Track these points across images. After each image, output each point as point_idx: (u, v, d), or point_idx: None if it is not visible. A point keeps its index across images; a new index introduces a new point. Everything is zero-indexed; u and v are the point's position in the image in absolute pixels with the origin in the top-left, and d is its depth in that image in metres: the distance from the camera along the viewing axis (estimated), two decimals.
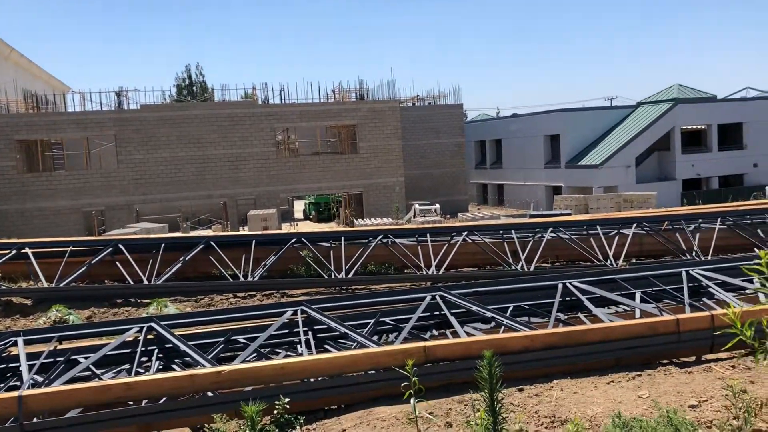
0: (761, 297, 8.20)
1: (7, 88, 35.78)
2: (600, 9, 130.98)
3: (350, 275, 12.94)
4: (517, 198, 50.78)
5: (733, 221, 15.32)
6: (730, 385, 4.92)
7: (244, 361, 6.89)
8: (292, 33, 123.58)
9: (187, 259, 13.04)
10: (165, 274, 12.66)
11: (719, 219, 15.18)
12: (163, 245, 13.28)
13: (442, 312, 8.29)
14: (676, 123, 44.50)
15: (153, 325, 7.76)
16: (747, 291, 8.71)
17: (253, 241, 13.52)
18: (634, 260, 14.64)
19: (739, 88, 52.02)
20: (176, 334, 7.63)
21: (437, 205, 34.43)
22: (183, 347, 7.27)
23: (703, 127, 46.79)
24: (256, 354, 7.52)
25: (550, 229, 14.57)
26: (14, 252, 12.63)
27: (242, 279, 12.69)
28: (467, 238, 14.27)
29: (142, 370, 7.23)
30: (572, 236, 14.56)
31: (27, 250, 12.65)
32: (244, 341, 7.94)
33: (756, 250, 13.37)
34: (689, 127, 46.85)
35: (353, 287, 12.95)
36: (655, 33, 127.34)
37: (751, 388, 5.63)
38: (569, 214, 23.51)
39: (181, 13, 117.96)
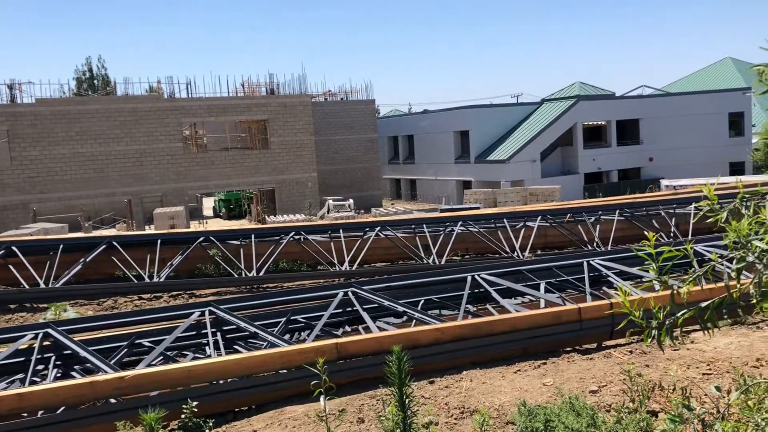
0: (656, 285, 8.68)
1: None
2: (508, 10, 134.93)
3: (261, 273, 12.74)
4: (430, 193, 51.57)
5: (630, 213, 16.15)
6: (627, 369, 5.17)
7: (149, 365, 6.63)
8: (200, 25, 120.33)
9: (87, 260, 12.44)
10: (64, 276, 12.03)
11: (617, 211, 15.96)
12: (61, 246, 12.61)
13: (355, 308, 8.29)
14: (578, 119, 46.43)
15: (50, 330, 7.34)
16: (644, 279, 9.19)
17: (159, 241, 13.06)
18: (539, 251, 15.17)
19: (635, 87, 54.86)
20: (76, 339, 7.26)
21: (351, 201, 34.45)
22: (83, 353, 6.92)
23: (603, 123, 49.04)
24: (162, 357, 7.27)
25: (460, 223, 14.88)
26: None
27: (147, 280, 12.23)
28: (380, 234, 14.35)
29: (38, 379, 6.83)
30: (481, 229, 14.92)
31: None
32: (150, 344, 7.65)
33: None
34: (590, 123, 49.01)
35: (265, 286, 12.75)
36: (558, 33, 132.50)
37: (646, 371, 5.95)
38: (478, 208, 24.10)
39: (82, 2, 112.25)
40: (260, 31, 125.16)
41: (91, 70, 66.29)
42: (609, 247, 14.30)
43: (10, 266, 11.96)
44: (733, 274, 2.93)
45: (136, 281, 12.32)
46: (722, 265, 3.22)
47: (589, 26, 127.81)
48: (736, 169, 46.03)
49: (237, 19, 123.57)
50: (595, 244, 14.89)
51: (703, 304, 3.26)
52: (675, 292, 3.30)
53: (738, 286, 3.14)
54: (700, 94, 49.76)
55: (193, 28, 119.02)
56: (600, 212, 16.17)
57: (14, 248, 12.25)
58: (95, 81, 65.72)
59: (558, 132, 45.99)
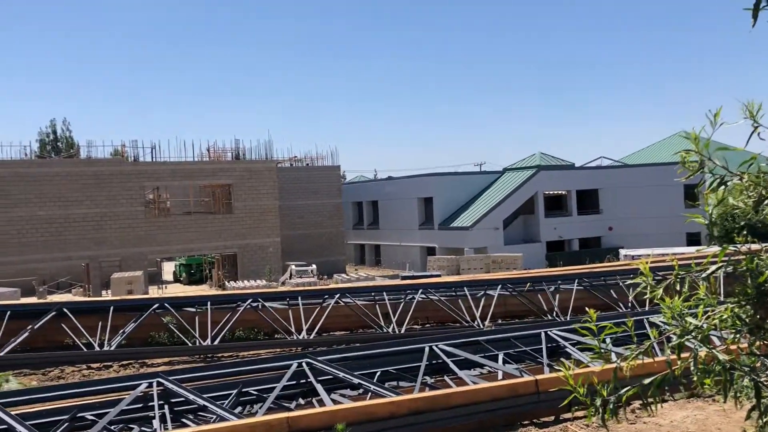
0: (612, 356, 8.69)
1: None
2: (470, 80, 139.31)
3: (216, 342, 12.43)
4: (394, 258, 51.56)
5: (589, 282, 16.32)
6: None
7: None
8: (168, 91, 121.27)
9: (35, 327, 12.01)
10: (9, 344, 11.56)
11: (576, 281, 16.12)
12: (8, 313, 12.17)
13: (309, 380, 8.09)
14: (539, 188, 47.43)
15: None
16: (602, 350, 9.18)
17: (111, 308, 12.70)
18: (499, 321, 15.15)
19: (594, 158, 56.41)
20: (12, 413, 6.90)
21: (314, 266, 34.20)
22: (19, 428, 6.57)
23: (563, 192, 50.16)
24: None
25: (420, 291, 14.83)
26: None
27: (97, 348, 11.82)
28: (340, 301, 14.20)
29: None
30: (442, 297, 14.89)
31: None
32: (93, 418, 7.31)
33: (615, 309, 14.25)
34: (551, 192, 50.08)
35: (219, 355, 12.42)
36: (519, 104, 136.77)
37: None
38: (439, 276, 24.13)
39: (50, 65, 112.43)
40: (227, 97, 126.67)
41: (55, 132, 65.83)
42: (568, 317, 14.36)
43: None
44: (669, 351, 2.94)
45: (85, 350, 11.90)
46: (663, 340, 3.24)
47: (549, 97, 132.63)
48: (693, 239, 47.20)
49: (205, 86, 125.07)
50: (554, 314, 14.95)
51: (646, 381, 3.26)
52: (618, 368, 3.30)
53: (678, 362, 3.16)
54: (656, 166, 51.46)
55: (160, 93, 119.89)
56: (559, 282, 16.31)
57: None
58: (59, 143, 65.18)
59: (520, 200, 46.83)
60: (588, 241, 49.43)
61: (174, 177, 35.60)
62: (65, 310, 12.49)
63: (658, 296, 2.97)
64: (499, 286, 15.46)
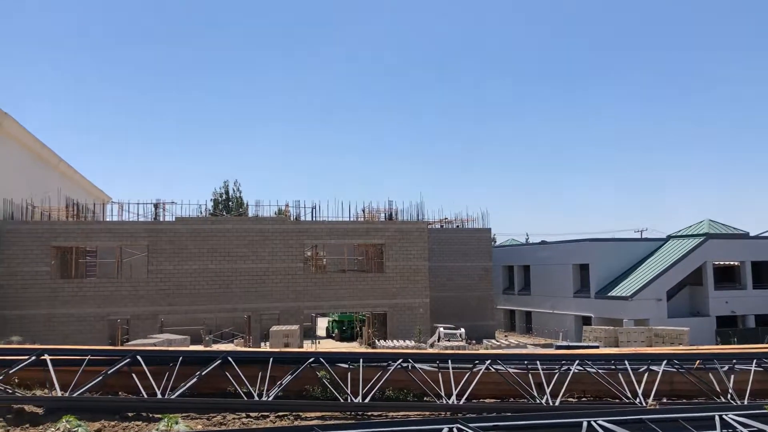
0: None
1: (51, 196, 37.25)
2: (628, 143, 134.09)
3: (367, 400, 12.54)
4: (546, 326, 49.74)
5: None
6: None
7: None
8: (327, 154, 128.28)
9: (203, 374, 12.82)
10: (180, 388, 12.43)
11: (755, 361, 14.57)
12: (180, 359, 13.13)
13: None
14: (707, 258, 44.00)
15: None
16: None
17: (271, 359, 13.30)
18: (664, 399, 13.99)
19: None
20: None
21: (462, 330, 33.82)
22: None
23: (736, 263, 46.10)
24: None
25: (577, 362, 14.10)
26: (33, 358, 12.59)
27: (256, 398, 12.37)
28: (491, 367, 13.85)
29: None
30: (600, 370, 14.05)
31: (46, 356, 12.61)
32: None
33: None
34: (722, 262, 46.22)
35: (369, 413, 12.51)
36: (685, 167, 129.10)
37: None
38: (597, 347, 22.86)
39: (223, 132, 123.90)
40: (382, 161, 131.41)
41: (227, 192, 72.06)
42: (745, 401, 12.95)
43: (133, 374, 12.55)
44: None
45: (245, 398, 12.50)
46: None
47: (718, 162, 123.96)
48: None
49: (361, 151, 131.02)
50: (729, 396, 13.55)
51: None
52: None
53: None
54: None
55: (321, 159, 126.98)
56: (734, 361, 14.80)
57: (139, 357, 12.90)
58: (230, 202, 71.08)
59: (686, 270, 43.65)
60: (766, 317, 44.77)
61: (331, 236, 37.21)
62: (230, 358, 13.26)
63: None
64: (665, 362, 14.31)
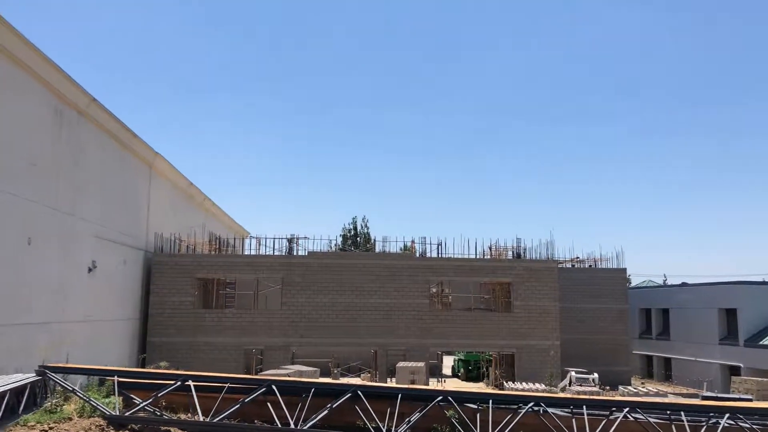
0: None
1: (197, 231, 40.00)
2: None
3: None
4: (687, 375, 46.28)
5: None
6: None
7: None
8: (454, 192, 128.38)
9: (333, 406, 13.10)
10: (311, 419, 12.75)
11: None
12: (312, 390, 13.50)
13: None
14: None
15: None
16: None
17: (399, 395, 13.35)
18: None
19: None
20: None
21: (596, 375, 32.21)
22: None
23: None
24: None
25: (727, 416, 13.01)
26: (179, 383, 13.44)
27: None
28: (629, 416, 13.09)
29: None
30: (754, 426, 12.87)
31: (190, 383, 13.42)
32: None
33: None
34: None
35: None
36: None
37: None
38: (750, 400, 20.94)
39: (353, 175, 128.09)
40: (508, 197, 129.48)
41: (355, 228, 74.26)
42: None
43: (268, 403, 13.05)
44: None
45: None
46: None
47: None
48: None
49: (485, 190, 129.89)
50: None
51: None
52: None
53: None
54: None
55: (448, 197, 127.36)
56: None
57: (274, 387, 13.41)
58: (358, 238, 73.02)
59: None
60: None
61: (457, 273, 37.00)
62: (359, 392, 13.46)
63: None
64: None
